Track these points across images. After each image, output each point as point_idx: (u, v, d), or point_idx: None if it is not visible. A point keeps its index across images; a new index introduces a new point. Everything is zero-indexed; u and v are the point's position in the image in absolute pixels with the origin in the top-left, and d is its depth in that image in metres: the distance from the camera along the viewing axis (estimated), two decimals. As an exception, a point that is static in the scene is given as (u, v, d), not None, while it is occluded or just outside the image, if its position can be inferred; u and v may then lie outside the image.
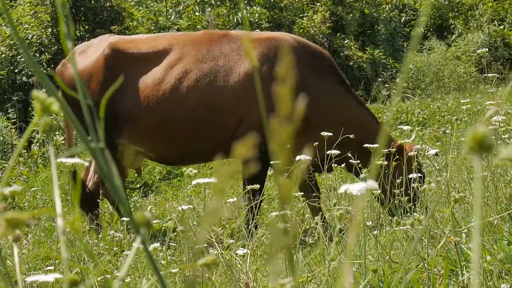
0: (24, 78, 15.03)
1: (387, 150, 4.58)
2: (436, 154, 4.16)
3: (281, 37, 6.61)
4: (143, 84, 6.51)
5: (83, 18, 16.64)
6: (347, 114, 6.40)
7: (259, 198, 4.78)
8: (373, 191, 3.73)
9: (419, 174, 4.22)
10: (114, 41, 6.77)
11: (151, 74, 6.53)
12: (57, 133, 12.12)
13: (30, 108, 13.66)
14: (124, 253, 5.36)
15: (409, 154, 4.33)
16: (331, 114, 6.27)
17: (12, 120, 13.05)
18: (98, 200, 7.19)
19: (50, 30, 16.52)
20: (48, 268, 4.43)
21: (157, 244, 2.65)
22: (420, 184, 3.89)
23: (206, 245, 4.10)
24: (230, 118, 6.30)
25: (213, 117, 6.34)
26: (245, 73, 6.29)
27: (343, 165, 4.86)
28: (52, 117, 11.88)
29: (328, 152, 4.44)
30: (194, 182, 2.43)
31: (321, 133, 4.86)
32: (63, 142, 11.97)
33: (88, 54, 6.78)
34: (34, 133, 12.57)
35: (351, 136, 5.46)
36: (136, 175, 9.93)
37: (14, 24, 0.98)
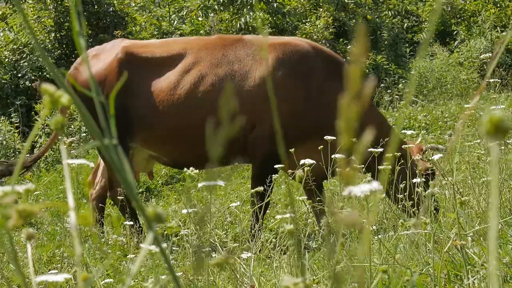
0: (27, 83, 15.04)
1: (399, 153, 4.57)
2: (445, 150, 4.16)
3: (295, 42, 6.59)
4: (157, 88, 6.47)
5: (86, 23, 16.66)
6: (363, 117, 6.38)
7: (265, 202, 4.78)
8: (378, 195, 3.73)
9: (425, 178, 4.22)
10: (128, 45, 6.75)
11: (165, 78, 6.49)
12: (60, 137, 12.12)
13: (33, 112, 13.68)
14: (127, 257, 5.35)
15: (416, 157, 4.32)
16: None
17: (15, 124, 13.06)
18: (103, 205, 7.18)
19: (53, 34, 16.55)
20: (51, 272, 4.43)
21: (164, 245, 2.64)
22: (426, 188, 3.89)
23: (209, 248, 4.09)
24: (244, 123, 6.27)
25: None
26: (260, 78, 6.26)
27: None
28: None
29: (333, 156, 4.43)
30: (200, 184, 2.42)
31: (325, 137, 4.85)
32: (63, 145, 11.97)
33: (101, 58, 6.73)
34: (37, 138, 12.58)
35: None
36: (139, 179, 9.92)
37: (30, 25, 0.98)
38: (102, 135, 0.91)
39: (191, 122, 6.32)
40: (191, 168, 2.69)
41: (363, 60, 0.70)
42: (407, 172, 4.41)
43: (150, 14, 19.72)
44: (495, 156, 0.72)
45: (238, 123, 0.75)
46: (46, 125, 12.36)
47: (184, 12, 19.25)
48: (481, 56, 5.98)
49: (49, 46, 16.13)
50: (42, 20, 16.53)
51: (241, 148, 6.26)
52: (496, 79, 5.75)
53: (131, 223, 5.90)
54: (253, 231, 5.00)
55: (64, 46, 16.54)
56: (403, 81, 17.48)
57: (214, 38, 6.86)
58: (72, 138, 11.93)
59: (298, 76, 6.26)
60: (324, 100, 6.23)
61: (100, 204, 7.12)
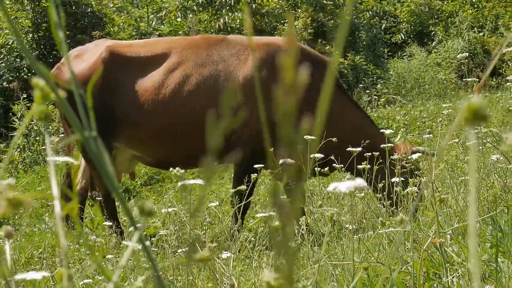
0: (4, 84, 14.94)
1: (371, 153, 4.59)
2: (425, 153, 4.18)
3: (279, 42, 6.60)
4: (142, 87, 6.45)
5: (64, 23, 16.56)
6: (348, 119, 6.40)
7: (244, 202, 4.78)
8: (357, 194, 3.75)
9: (404, 177, 4.24)
10: (111, 45, 6.72)
11: (150, 77, 6.47)
12: (38, 138, 12.06)
13: (10, 113, 13.58)
14: (106, 257, 5.33)
15: (400, 154, 4.34)
16: (332, 120, 6.21)
17: (-7, 126, 12.98)
18: (82, 206, 7.15)
19: (30, 35, 16.46)
20: (30, 273, 4.39)
21: (148, 243, 2.63)
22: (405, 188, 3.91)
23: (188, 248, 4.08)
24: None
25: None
26: (244, 78, 6.26)
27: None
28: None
29: (312, 155, 4.44)
30: (180, 183, 2.41)
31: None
32: (43, 148, 11.91)
33: (84, 58, 6.68)
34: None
35: (334, 139, 5.48)
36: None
37: (12, 21, 0.97)
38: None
39: (176, 122, 6.31)
40: (177, 168, 2.68)
41: (295, 48, 0.70)
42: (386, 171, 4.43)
43: (128, 15, 19.66)
44: (473, 143, 0.73)
45: (241, 117, 0.74)
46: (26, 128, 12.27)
47: (163, 13, 19.21)
48: (458, 56, 6.00)
49: (27, 47, 16.04)
50: (20, 20, 16.43)
51: (223, 149, 6.24)
52: (474, 79, 5.79)
53: (110, 223, 5.88)
54: (232, 230, 5.00)
55: (41, 47, 16.46)
56: (382, 82, 17.56)
57: (198, 37, 6.85)
58: (51, 139, 11.85)
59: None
60: (310, 99, 6.24)
61: (79, 205, 7.09)
